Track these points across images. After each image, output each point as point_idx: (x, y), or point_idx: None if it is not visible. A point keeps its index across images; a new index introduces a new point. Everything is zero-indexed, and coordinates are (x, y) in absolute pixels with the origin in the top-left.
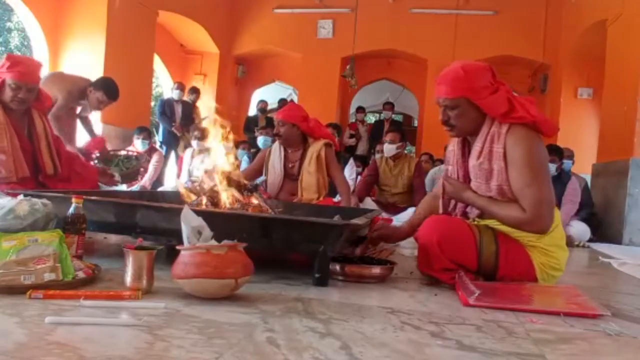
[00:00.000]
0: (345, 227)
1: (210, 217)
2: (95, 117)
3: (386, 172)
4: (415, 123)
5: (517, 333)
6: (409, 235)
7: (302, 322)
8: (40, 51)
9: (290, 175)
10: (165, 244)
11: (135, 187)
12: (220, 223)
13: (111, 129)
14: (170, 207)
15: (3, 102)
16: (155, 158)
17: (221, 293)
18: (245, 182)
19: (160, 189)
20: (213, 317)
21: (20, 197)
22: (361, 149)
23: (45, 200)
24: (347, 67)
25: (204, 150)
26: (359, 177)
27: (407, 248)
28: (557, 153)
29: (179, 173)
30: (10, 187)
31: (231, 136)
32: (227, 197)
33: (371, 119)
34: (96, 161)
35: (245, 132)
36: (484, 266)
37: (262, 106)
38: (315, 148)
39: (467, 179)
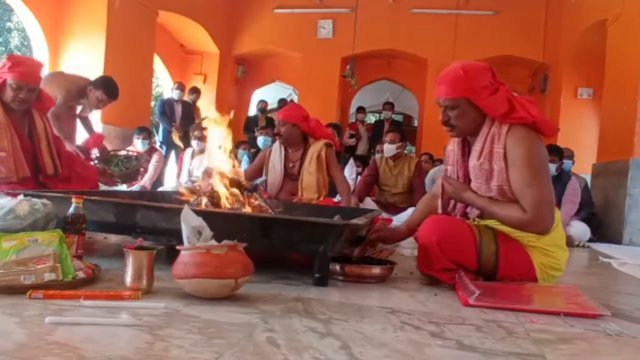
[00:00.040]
0: (345, 227)
1: (210, 217)
2: (95, 117)
3: (386, 172)
4: (415, 123)
5: (517, 333)
6: (407, 236)
7: (302, 322)
8: (40, 51)
9: (291, 175)
10: (165, 244)
11: (135, 187)
12: (220, 223)
13: (111, 129)
14: (170, 207)
15: (4, 102)
16: (155, 158)
17: (221, 293)
18: (245, 182)
19: (160, 189)
20: (213, 317)
21: (20, 197)
22: (361, 149)
23: (45, 200)
24: (347, 67)
25: (204, 151)
26: (359, 177)
27: (407, 248)
28: (557, 153)
29: (179, 173)
30: (10, 187)
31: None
32: (227, 197)
33: (371, 119)
34: (96, 161)
35: (245, 132)
36: (483, 266)
37: (262, 106)
38: (316, 148)
39: (467, 179)
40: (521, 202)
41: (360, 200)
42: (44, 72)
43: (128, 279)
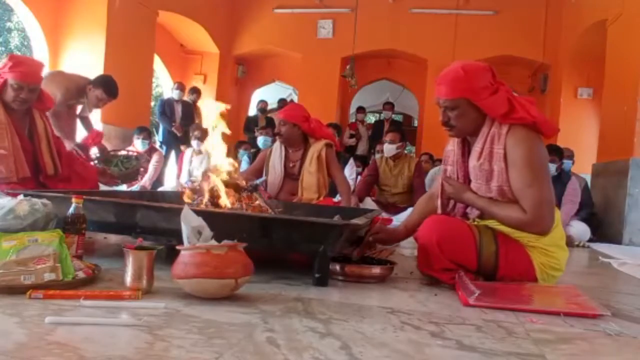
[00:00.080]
0: (345, 227)
1: (210, 217)
2: (95, 116)
3: (386, 172)
4: (415, 123)
5: (517, 333)
6: (405, 237)
7: (302, 322)
8: (40, 51)
9: (291, 175)
10: (165, 244)
11: (135, 187)
12: (220, 223)
13: (111, 128)
14: (170, 207)
15: (4, 102)
16: (155, 158)
17: (221, 293)
18: (244, 182)
19: (160, 189)
20: (213, 317)
21: (20, 197)
22: (361, 149)
23: (45, 200)
24: (347, 67)
25: (204, 151)
26: (359, 177)
27: (407, 248)
28: (557, 153)
29: (179, 173)
30: (10, 187)
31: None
32: (226, 197)
33: (371, 119)
34: (96, 161)
35: (245, 132)
36: (483, 266)
37: (262, 106)
38: (316, 148)
39: (467, 179)
40: (521, 202)
41: (360, 200)
42: (44, 72)
43: (128, 279)
